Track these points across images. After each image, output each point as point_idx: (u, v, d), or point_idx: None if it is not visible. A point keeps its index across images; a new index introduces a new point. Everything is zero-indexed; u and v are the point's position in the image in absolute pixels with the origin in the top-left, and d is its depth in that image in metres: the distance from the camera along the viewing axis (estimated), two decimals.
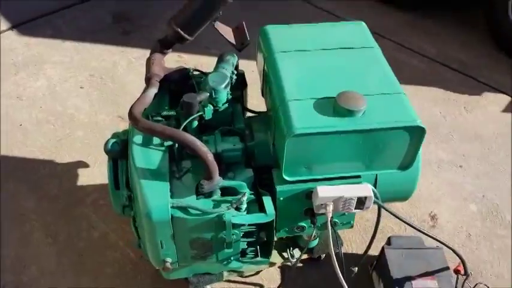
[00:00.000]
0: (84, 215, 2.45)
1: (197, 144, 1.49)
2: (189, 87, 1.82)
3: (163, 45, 1.80)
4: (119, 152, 1.73)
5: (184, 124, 1.62)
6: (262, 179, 1.66)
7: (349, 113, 1.45)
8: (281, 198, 1.61)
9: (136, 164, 1.58)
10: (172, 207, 1.50)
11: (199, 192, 1.54)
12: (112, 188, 1.77)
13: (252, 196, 1.61)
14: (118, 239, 2.35)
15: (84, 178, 2.64)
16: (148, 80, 1.72)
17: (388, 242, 2.12)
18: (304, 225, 1.73)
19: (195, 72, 1.88)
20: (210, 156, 1.51)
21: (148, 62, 1.77)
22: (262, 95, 1.89)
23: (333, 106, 1.49)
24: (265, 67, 1.75)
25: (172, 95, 1.83)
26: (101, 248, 2.32)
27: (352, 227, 1.80)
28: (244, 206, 1.57)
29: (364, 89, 1.54)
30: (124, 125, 2.93)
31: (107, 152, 1.73)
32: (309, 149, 1.50)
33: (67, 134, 2.90)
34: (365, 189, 1.58)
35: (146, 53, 1.84)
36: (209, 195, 1.56)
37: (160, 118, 1.69)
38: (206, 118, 1.66)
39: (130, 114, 1.56)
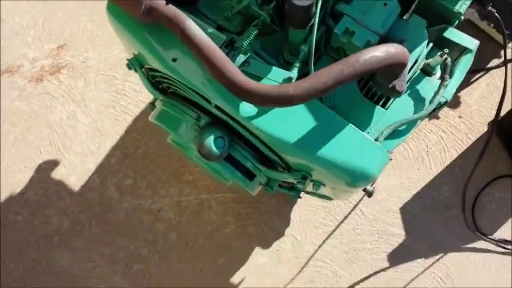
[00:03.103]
0: None
1: (398, 51, 0.95)
2: None
3: None
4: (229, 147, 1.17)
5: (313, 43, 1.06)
6: None
7: None
8: None
9: (290, 141, 1.06)
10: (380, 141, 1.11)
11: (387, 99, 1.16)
12: (245, 182, 1.27)
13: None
14: None
15: None
16: (148, 14, 1.01)
17: None
18: None
19: None
20: (407, 53, 0.99)
21: None
22: None
23: None
24: None
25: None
26: None
27: None
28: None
29: None
30: None
31: (213, 158, 1.15)
32: None
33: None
34: None
35: None
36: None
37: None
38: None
39: (252, 94, 0.92)
